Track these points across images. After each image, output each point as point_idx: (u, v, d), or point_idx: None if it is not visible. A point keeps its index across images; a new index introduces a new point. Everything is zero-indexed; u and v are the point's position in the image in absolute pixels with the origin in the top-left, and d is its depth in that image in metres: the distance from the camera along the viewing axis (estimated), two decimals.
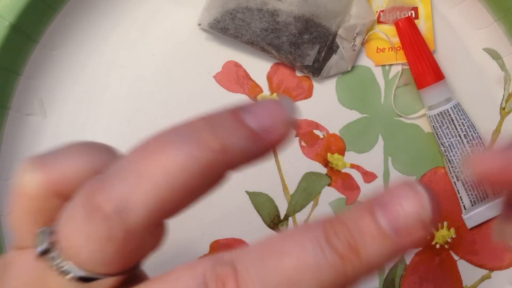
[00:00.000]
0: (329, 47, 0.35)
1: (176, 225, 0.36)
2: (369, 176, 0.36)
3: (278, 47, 0.35)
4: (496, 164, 0.18)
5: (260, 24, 0.34)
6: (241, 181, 0.36)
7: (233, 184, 0.36)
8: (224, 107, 0.17)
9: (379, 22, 0.36)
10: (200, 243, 0.36)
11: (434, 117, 0.35)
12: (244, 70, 0.36)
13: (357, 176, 0.36)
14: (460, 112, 0.35)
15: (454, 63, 0.36)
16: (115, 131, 0.36)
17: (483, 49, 0.36)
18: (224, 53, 0.36)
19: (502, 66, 0.36)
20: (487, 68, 0.36)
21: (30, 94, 0.35)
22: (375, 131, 0.36)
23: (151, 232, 0.17)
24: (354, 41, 0.36)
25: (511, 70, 0.36)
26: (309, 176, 0.36)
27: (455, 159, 0.35)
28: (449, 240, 0.36)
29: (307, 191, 0.36)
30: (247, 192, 0.36)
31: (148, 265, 0.19)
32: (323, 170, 0.36)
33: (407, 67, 0.36)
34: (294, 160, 0.36)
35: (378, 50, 0.36)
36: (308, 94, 0.36)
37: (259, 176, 0.36)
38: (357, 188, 0.36)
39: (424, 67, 0.35)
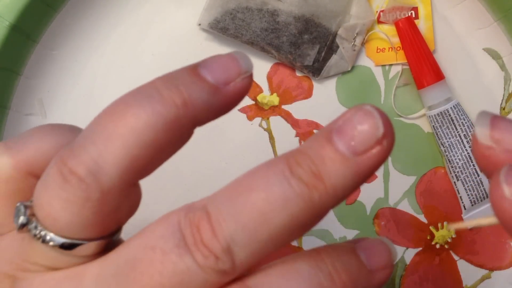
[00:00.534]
0: (329, 47, 0.35)
1: None
2: None
3: (278, 47, 0.35)
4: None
5: (260, 24, 0.34)
6: None
7: None
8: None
9: (379, 22, 0.36)
10: None
11: (434, 117, 0.35)
12: None
13: None
14: (460, 112, 0.35)
15: (454, 63, 0.36)
16: None
17: (483, 49, 0.36)
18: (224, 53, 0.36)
19: (502, 66, 0.36)
20: (487, 68, 0.36)
21: (30, 94, 0.35)
22: None
23: (126, 193, 0.17)
24: (354, 41, 0.36)
25: (511, 70, 0.36)
26: None
27: (455, 159, 0.35)
28: (449, 240, 0.36)
29: None
30: None
31: None
32: None
33: (407, 67, 0.36)
34: None
35: (378, 50, 0.36)
36: (308, 94, 0.36)
37: None
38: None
39: (424, 67, 0.35)
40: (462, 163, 0.35)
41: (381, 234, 0.36)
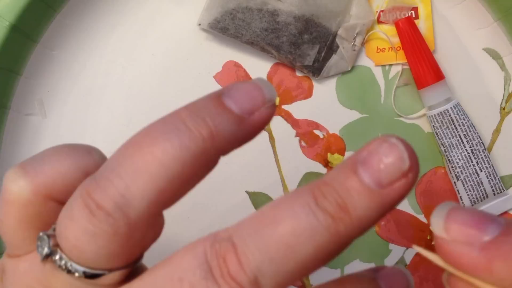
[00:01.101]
0: (329, 47, 0.35)
1: (176, 225, 0.37)
2: None
3: (278, 47, 0.35)
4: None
5: (260, 24, 0.34)
6: (241, 181, 0.36)
7: (233, 184, 0.36)
8: (205, 95, 0.18)
9: (379, 22, 0.36)
10: None
11: (434, 117, 0.35)
12: (244, 70, 0.36)
13: None
14: (460, 112, 0.35)
15: (454, 63, 0.36)
16: (115, 131, 0.36)
17: (483, 49, 0.36)
18: (224, 53, 0.36)
19: (502, 66, 0.36)
20: (487, 68, 0.36)
21: (30, 94, 0.35)
22: (375, 131, 0.36)
23: (152, 224, 0.17)
24: (354, 41, 0.36)
25: (511, 70, 0.36)
26: (309, 176, 0.36)
27: (455, 159, 0.35)
28: None
29: None
30: (247, 192, 0.36)
31: (149, 266, 0.19)
32: (323, 170, 0.36)
33: (407, 67, 0.36)
34: (294, 160, 0.36)
35: (378, 50, 0.36)
36: (308, 94, 0.36)
37: (259, 176, 0.36)
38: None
39: (424, 67, 0.35)
40: (462, 163, 0.35)
41: (381, 234, 0.36)
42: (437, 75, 0.35)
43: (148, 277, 0.17)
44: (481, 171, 0.35)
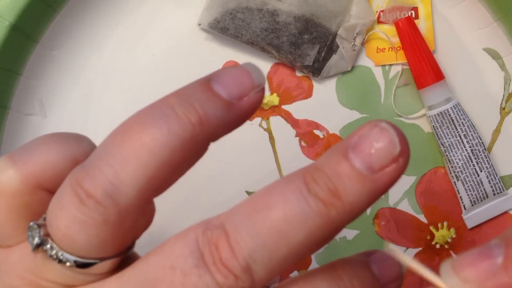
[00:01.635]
0: (329, 47, 0.35)
1: (176, 226, 0.36)
2: None
3: (278, 47, 0.35)
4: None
5: (260, 24, 0.34)
6: (241, 181, 0.36)
7: (233, 184, 0.36)
8: (194, 81, 0.18)
9: (379, 22, 0.36)
10: None
11: (434, 117, 0.35)
12: None
13: None
14: (460, 112, 0.35)
15: (454, 63, 0.36)
16: None
17: (483, 49, 0.36)
18: (224, 53, 0.36)
19: (502, 66, 0.36)
20: (487, 68, 0.36)
21: (30, 94, 0.35)
22: None
23: (143, 211, 0.17)
24: (354, 41, 0.36)
25: (511, 70, 0.36)
26: None
27: (455, 159, 0.35)
28: (449, 240, 0.36)
29: None
30: (247, 192, 0.36)
31: None
32: None
33: (407, 67, 0.36)
34: (294, 160, 0.36)
35: (378, 50, 0.36)
36: (308, 94, 0.36)
37: (259, 176, 0.36)
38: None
39: (424, 67, 0.35)
40: (462, 163, 0.35)
41: (381, 234, 0.36)
42: (437, 75, 0.35)
43: (140, 266, 0.17)
44: (481, 171, 0.35)
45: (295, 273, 0.36)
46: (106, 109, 0.36)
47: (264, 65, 0.36)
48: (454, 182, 0.36)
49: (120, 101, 0.36)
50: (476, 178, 0.35)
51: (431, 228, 0.36)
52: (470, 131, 0.35)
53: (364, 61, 0.36)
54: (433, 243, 0.36)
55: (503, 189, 0.36)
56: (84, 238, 0.16)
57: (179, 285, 0.16)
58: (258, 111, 0.36)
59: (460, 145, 0.35)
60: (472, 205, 0.36)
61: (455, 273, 0.17)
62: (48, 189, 0.18)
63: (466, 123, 0.35)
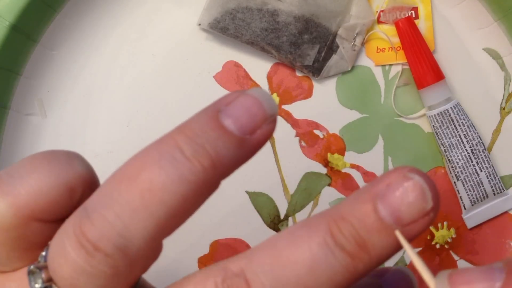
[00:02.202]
0: (329, 47, 0.35)
1: None
2: (369, 176, 0.36)
3: (278, 47, 0.35)
4: None
5: (260, 24, 0.34)
6: (241, 181, 0.36)
7: (233, 184, 0.36)
8: (199, 112, 0.17)
9: (379, 22, 0.36)
10: (200, 243, 0.36)
11: (434, 117, 0.35)
12: (244, 70, 0.36)
13: (357, 176, 0.36)
14: (460, 112, 0.35)
15: (454, 63, 0.36)
16: (115, 131, 0.36)
17: (483, 49, 0.36)
18: (224, 53, 0.36)
19: (502, 66, 0.36)
20: (487, 68, 0.36)
21: (30, 94, 0.35)
22: (375, 131, 0.36)
23: (152, 253, 0.17)
24: (354, 41, 0.36)
25: (511, 70, 0.36)
26: (309, 176, 0.36)
27: (455, 159, 0.35)
28: (449, 240, 0.36)
29: (307, 191, 0.36)
30: (247, 192, 0.36)
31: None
32: (323, 170, 0.36)
33: (407, 67, 0.36)
34: (294, 160, 0.36)
35: (378, 50, 0.36)
36: (308, 94, 0.36)
37: (259, 176, 0.36)
38: (357, 188, 0.36)
39: (424, 67, 0.35)
40: (462, 163, 0.35)
41: None
42: (437, 75, 0.35)
43: None
44: (481, 171, 0.35)
45: None
46: (106, 109, 0.36)
47: (264, 65, 0.36)
48: (454, 182, 0.36)
49: (120, 101, 0.36)
50: (476, 178, 0.35)
51: (431, 228, 0.36)
52: (470, 131, 0.35)
53: (364, 61, 0.36)
54: (433, 243, 0.36)
55: (503, 189, 0.36)
56: None
57: None
58: None
59: (460, 145, 0.35)
60: (472, 205, 0.36)
61: (450, 286, 0.16)
62: (42, 219, 0.17)
63: (466, 123, 0.35)
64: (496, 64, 0.36)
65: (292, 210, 0.36)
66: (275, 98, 0.36)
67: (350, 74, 0.36)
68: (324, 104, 0.36)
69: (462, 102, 0.36)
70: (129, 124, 0.36)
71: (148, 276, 0.21)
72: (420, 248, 0.36)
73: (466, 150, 0.35)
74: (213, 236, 0.36)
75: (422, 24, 0.36)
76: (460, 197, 0.36)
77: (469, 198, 0.36)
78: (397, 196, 0.16)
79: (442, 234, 0.36)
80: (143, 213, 0.15)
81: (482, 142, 0.35)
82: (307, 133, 0.36)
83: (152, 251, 0.16)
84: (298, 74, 0.36)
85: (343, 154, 0.36)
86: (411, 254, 0.16)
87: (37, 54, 0.35)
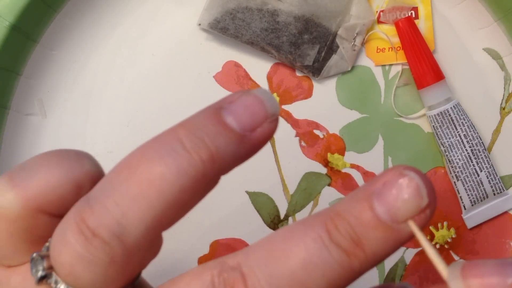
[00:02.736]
0: (329, 47, 0.35)
1: (176, 225, 0.36)
2: (369, 176, 0.36)
3: (278, 47, 0.35)
4: None
5: (260, 24, 0.34)
6: (241, 181, 0.36)
7: (233, 184, 0.36)
8: (203, 109, 0.17)
9: (379, 22, 0.36)
10: (200, 243, 0.36)
11: (434, 117, 0.35)
12: (244, 70, 0.36)
13: (357, 176, 0.36)
14: (460, 112, 0.35)
15: (454, 63, 0.36)
16: (115, 131, 0.36)
17: (483, 49, 0.36)
18: (224, 53, 0.36)
19: (502, 66, 0.36)
20: (487, 68, 0.36)
21: (30, 94, 0.35)
22: (375, 131, 0.36)
23: (150, 246, 0.17)
24: (354, 41, 0.36)
25: (511, 70, 0.36)
26: (309, 176, 0.36)
27: (455, 159, 0.35)
28: (449, 240, 0.36)
29: (307, 191, 0.36)
30: (247, 192, 0.36)
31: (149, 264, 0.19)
32: (323, 170, 0.36)
33: (407, 67, 0.36)
34: (294, 160, 0.36)
35: (378, 50, 0.36)
36: (308, 94, 0.36)
37: (259, 176, 0.36)
38: (357, 188, 0.36)
39: (424, 67, 0.35)
40: (462, 163, 0.35)
41: None
42: (437, 75, 0.35)
43: None
44: (481, 171, 0.35)
45: None
46: (106, 109, 0.36)
47: (264, 65, 0.36)
48: (454, 182, 0.36)
49: (120, 101, 0.36)
50: (476, 178, 0.35)
51: (431, 228, 0.36)
52: (470, 131, 0.35)
53: (364, 61, 0.36)
54: (433, 243, 0.36)
55: (503, 189, 0.36)
56: (89, 276, 0.16)
57: None
58: None
59: (460, 145, 0.35)
60: (472, 205, 0.36)
61: (462, 277, 0.16)
62: (49, 213, 0.18)
63: (466, 123, 0.35)
64: (496, 64, 0.36)
65: (292, 210, 0.36)
66: (275, 98, 0.36)
67: (350, 74, 0.36)
68: (324, 104, 0.36)
69: (462, 102, 0.36)
70: (129, 124, 0.36)
71: (148, 276, 0.21)
72: (420, 248, 0.36)
73: (466, 150, 0.35)
74: (213, 236, 0.36)
75: (422, 24, 0.36)
76: (460, 197, 0.36)
77: (469, 198, 0.36)
78: (392, 193, 0.16)
79: (442, 234, 0.36)
80: (141, 202, 0.16)
81: (482, 142, 0.35)
82: (307, 133, 0.36)
83: (150, 243, 0.17)
84: (298, 74, 0.36)
85: (343, 154, 0.36)
86: (424, 243, 0.16)
87: (37, 54, 0.35)
